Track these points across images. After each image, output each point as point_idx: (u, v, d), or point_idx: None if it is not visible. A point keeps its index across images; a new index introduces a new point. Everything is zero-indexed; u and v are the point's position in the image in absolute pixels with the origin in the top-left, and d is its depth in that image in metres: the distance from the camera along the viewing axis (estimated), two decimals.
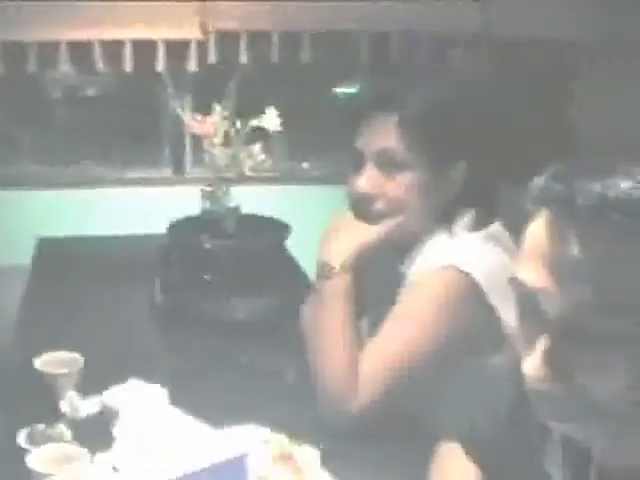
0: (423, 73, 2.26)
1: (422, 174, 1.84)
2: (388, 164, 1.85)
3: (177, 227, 2.33)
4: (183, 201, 2.56)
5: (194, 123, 2.40)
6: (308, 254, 2.51)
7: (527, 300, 1.04)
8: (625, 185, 0.98)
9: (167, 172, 3.92)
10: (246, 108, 2.40)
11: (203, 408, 1.67)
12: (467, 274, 1.76)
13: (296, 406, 1.83)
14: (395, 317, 1.80)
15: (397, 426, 1.75)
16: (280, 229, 2.32)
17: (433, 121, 1.86)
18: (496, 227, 1.88)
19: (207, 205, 2.33)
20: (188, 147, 3.83)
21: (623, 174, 0.99)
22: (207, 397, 1.83)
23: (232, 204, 2.30)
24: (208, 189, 2.33)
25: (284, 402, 1.88)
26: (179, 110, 2.56)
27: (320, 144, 4.07)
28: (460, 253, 1.81)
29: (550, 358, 1.01)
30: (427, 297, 1.79)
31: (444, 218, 1.88)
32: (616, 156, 1.03)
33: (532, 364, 1.03)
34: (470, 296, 1.76)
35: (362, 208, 1.89)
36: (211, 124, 2.37)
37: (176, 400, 1.72)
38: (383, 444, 1.70)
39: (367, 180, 1.87)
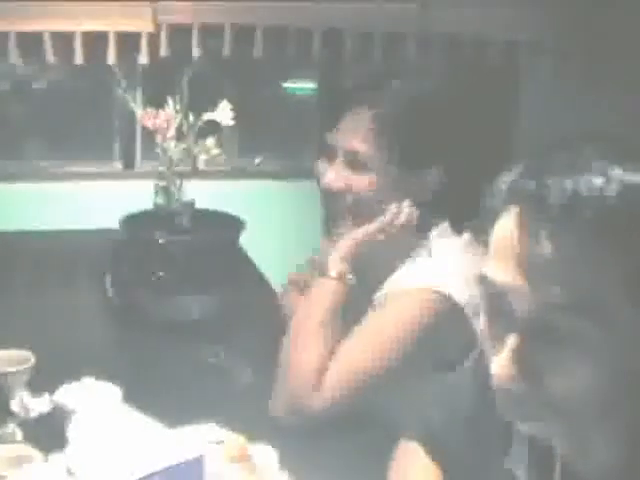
0: (394, 71, 2.22)
1: (391, 176, 1.84)
2: (356, 164, 1.85)
3: (130, 222, 2.29)
4: (134, 195, 2.53)
5: (147, 117, 2.36)
6: (260, 249, 2.49)
7: (496, 299, 1.03)
8: (598, 182, 0.96)
9: (118, 166, 3.88)
10: (199, 102, 2.38)
11: (158, 407, 1.64)
12: (446, 296, 1.75)
13: (253, 405, 1.81)
14: (368, 329, 1.79)
15: (356, 426, 1.75)
16: (235, 225, 2.29)
17: (408, 122, 1.83)
18: (468, 236, 1.87)
19: (160, 200, 2.29)
20: (139, 141, 3.79)
21: (596, 171, 0.98)
22: (162, 396, 1.81)
23: (187, 199, 2.27)
24: (162, 184, 2.30)
25: (241, 401, 1.86)
26: (131, 104, 2.52)
27: (273, 139, 4.05)
28: (438, 274, 1.80)
29: (518, 357, 1.01)
30: (402, 316, 1.77)
31: (418, 226, 1.86)
32: (588, 152, 1.02)
33: (500, 363, 1.02)
34: (449, 317, 1.75)
35: (330, 201, 1.89)
36: (164, 118, 2.34)
37: (130, 398, 1.69)
38: (341, 444, 1.69)
39: (334, 176, 1.87)
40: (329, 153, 1.89)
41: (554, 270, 0.97)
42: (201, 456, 1.36)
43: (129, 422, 1.61)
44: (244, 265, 2.36)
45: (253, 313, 2.12)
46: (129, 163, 3.85)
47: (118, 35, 3.44)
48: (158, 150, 2.37)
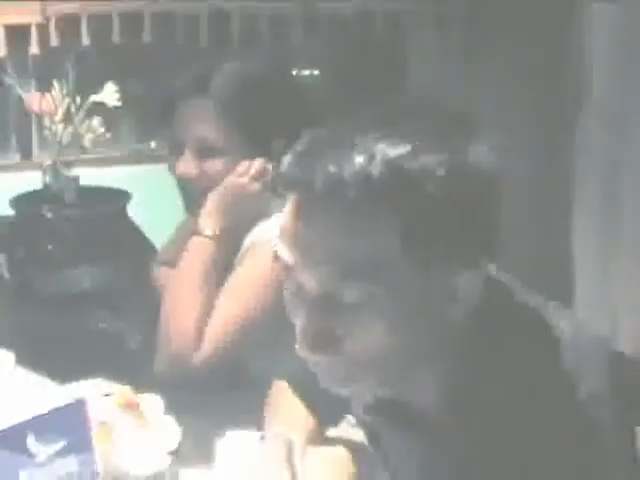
0: (243, 53, 2.22)
1: (241, 155, 1.91)
2: (206, 151, 1.91)
3: (19, 201, 2.36)
4: (32, 185, 2.58)
5: (33, 100, 2.43)
6: (157, 232, 2.55)
7: (288, 274, 1.11)
8: (359, 160, 1.02)
9: (15, 158, 3.89)
10: (89, 86, 2.44)
11: (50, 369, 1.72)
12: None
13: (140, 364, 1.89)
14: (234, 283, 1.85)
15: (234, 376, 1.84)
16: (120, 197, 2.37)
17: (247, 104, 1.90)
18: None
19: (48, 179, 2.36)
20: (35, 132, 3.81)
21: (359, 148, 1.03)
22: (54, 359, 1.88)
23: (71, 174, 2.34)
24: (49, 162, 2.37)
25: (129, 361, 1.93)
26: (20, 91, 2.58)
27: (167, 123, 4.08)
28: None
29: (311, 329, 1.08)
30: (260, 269, 1.82)
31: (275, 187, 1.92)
32: (356, 129, 1.06)
33: (298, 337, 1.10)
34: None
35: (188, 189, 1.95)
36: (50, 101, 2.40)
37: (23, 362, 1.76)
38: (222, 391, 1.78)
39: (186, 165, 1.92)
40: (178, 145, 1.95)
41: (331, 247, 1.04)
42: (83, 399, 1.42)
43: (20, 381, 1.70)
44: (134, 237, 2.42)
45: (143, 281, 2.19)
46: (26, 154, 3.87)
47: (7, 27, 3.47)
48: (46, 132, 2.44)
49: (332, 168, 1.02)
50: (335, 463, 1.30)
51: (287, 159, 1.09)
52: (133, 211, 2.49)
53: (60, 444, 1.38)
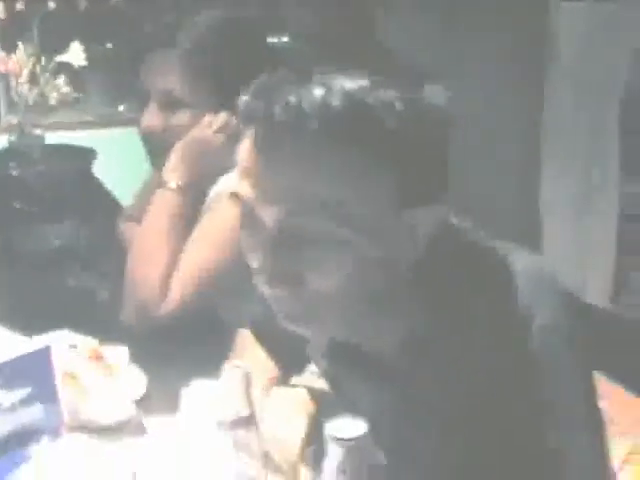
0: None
1: (208, 107, 1.89)
2: (172, 104, 1.89)
3: None
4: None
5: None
6: (125, 195, 2.56)
7: (246, 212, 1.11)
8: (318, 92, 1.03)
9: None
10: (55, 47, 2.44)
11: (16, 322, 1.73)
12: None
13: (109, 316, 1.90)
14: (200, 233, 1.85)
15: (200, 326, 1.85)
16: (85, 153, 2.37)
17: (213, 56, 1.89)
18: None
19: (14, 138, 2.36)
20: (2, 95, 3.80)
21: (317, 82, 1.04)
22: (21, 313, 1.89)
23: (37, 132, 2.34)
24: (15, 122, 2.37)
25: (97, 313, 1.94)
26: None
27: (136, 86, 4.06)
28: None
29: (270, 263, 1.08)
30: (225, 218, 1.80)
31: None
32: (316, 68, 1.08)
33: (258, 272, 1.11)
34: None
35: (153, 143, 1.94)
36: (16, 61, 2.40)
37: None
38: (188, 341, 1.79)
39: (151, 118, 1.91)
40: (143, 97, 1.93)
41: (290, 181, 1.04)
42: (47, 347, 1.43)
43: None
44: (101, 194, 2.43)
45: (111, 237, 2.19)
46: None
47: None
48: (13, 94, 2.44)
49: (292, 99, 1.03)
50: (296, 402, 1.32)
51: (246, 95, 1.10)
52: (101, 174, 2.48)
53: (25, 391, 1.38)
